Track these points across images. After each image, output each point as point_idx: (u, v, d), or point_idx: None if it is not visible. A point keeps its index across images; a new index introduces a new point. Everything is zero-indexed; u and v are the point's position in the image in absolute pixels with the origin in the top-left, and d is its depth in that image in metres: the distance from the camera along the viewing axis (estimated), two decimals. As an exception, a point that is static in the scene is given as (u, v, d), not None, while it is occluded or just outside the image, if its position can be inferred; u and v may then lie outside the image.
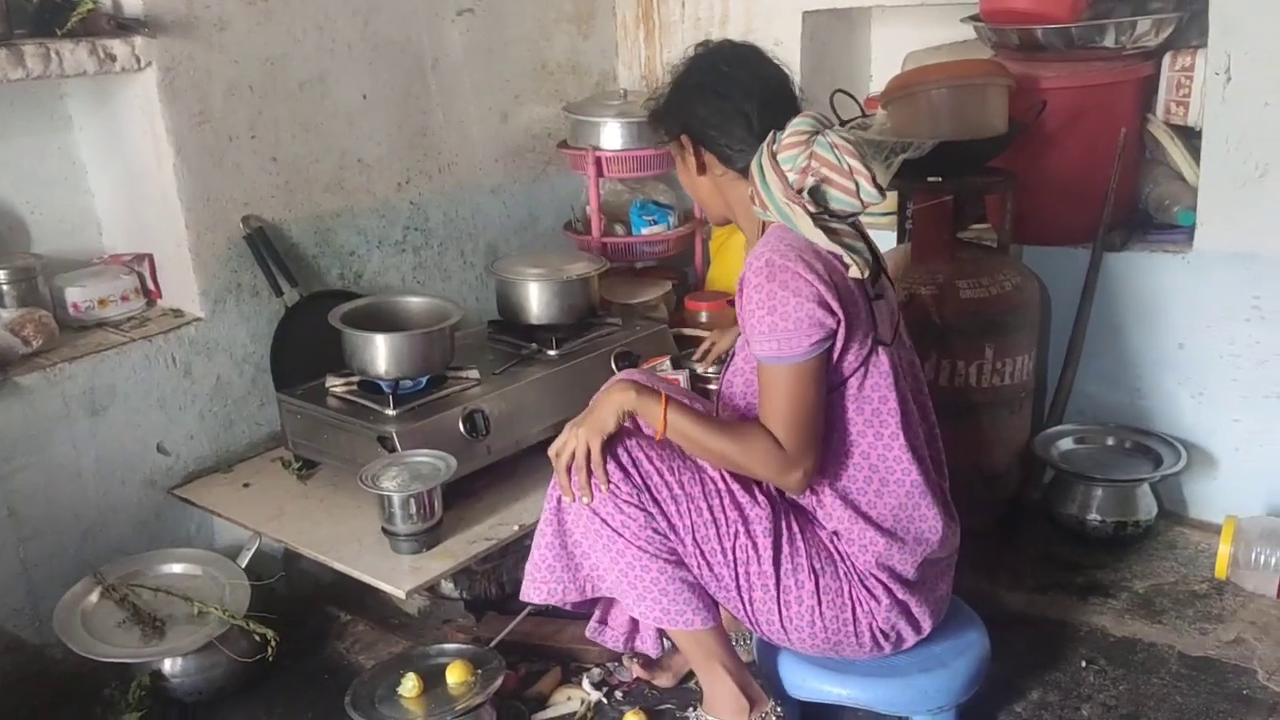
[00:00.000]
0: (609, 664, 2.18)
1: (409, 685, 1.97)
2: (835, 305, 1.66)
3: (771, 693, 1.91)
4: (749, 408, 1.81)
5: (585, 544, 1.78)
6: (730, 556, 1.74)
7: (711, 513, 1.74)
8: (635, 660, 2.14)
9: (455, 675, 2.00)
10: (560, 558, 1.81)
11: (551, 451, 1.79)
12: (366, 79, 2.64)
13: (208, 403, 2.44)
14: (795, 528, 1.78)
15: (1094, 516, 2.52)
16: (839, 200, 1.69)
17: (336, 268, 2.67)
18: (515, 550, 2.36)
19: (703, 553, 1.74)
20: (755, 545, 1.74)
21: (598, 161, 2.91)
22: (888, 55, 3.15)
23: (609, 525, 1.72)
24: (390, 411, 2.27)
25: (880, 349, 1.75)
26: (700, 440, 1.73)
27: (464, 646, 2.11)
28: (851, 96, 2.76)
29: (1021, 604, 2.37)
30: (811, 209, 1.67)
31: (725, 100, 1.78)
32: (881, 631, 1.79)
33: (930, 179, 2.52)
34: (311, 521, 2.25)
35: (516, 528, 2.20)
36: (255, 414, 2.53)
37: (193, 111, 2.32)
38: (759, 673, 1.97)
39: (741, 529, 1.74)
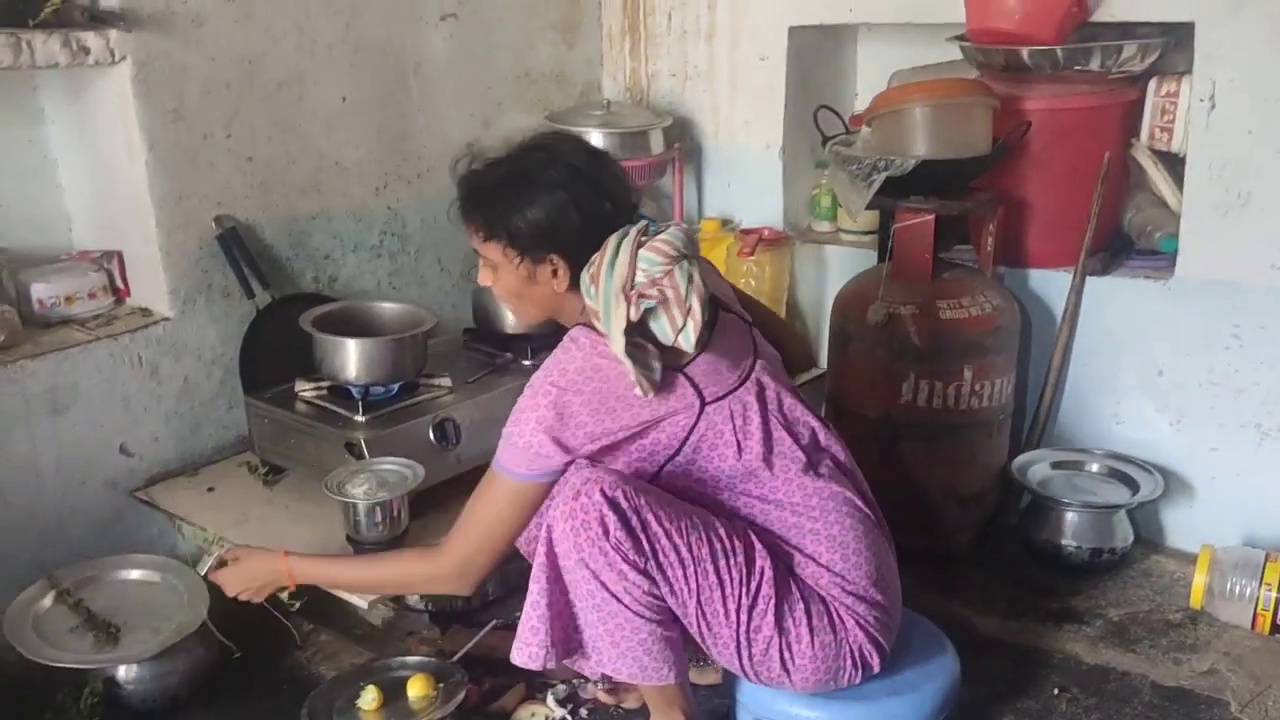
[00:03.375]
0: (574, 680, 2.14)
1: (368, 698, 1.93)
2: (580, 449, 1.66)
3: None
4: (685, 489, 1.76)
5: (579, 604, 1.68)
6: (734, 618, 1.68)
7: (718, 574, 1.66)
8: (601, 685, 2.10)
9: (416, 689, 1.96)
10: (546, 620, 1.69)
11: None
12: (346, 81, 2.61)
13: (174, 404, 2.40)
14: (787, 569, 1.73)
15: (1070, 542, 2.50)
16: (660, 329, 1.67)
17: (310, 271, 2.63)
18: (483, 562, 2.33)
19: (704, 615, 1.68)
20: (758, 600, 1.68)
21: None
22: (874, 73, 3.13)
23: (608, 589, 1.63)
24: (359, 418, 2.23)
25: (710, 410, 1.71)
26: (342, 585, 1.97)
27: (426, 659, 2.07)
28: (836, 113, 2.76)
29: (994, 629, 2.34)
30: (633, 316, 1.63)
31: (617, 207, 1.73)
32: (862, 653, 1.76)
33: (913, 198, 2.51)
34: (275, 528, 2.21)
35: (484, 540, 2.16)
36: (223, 417, 2.49)
37: (167, 108, 2.29)
38: (725, 693, 1.94)
39: (746, 588, 1.68)
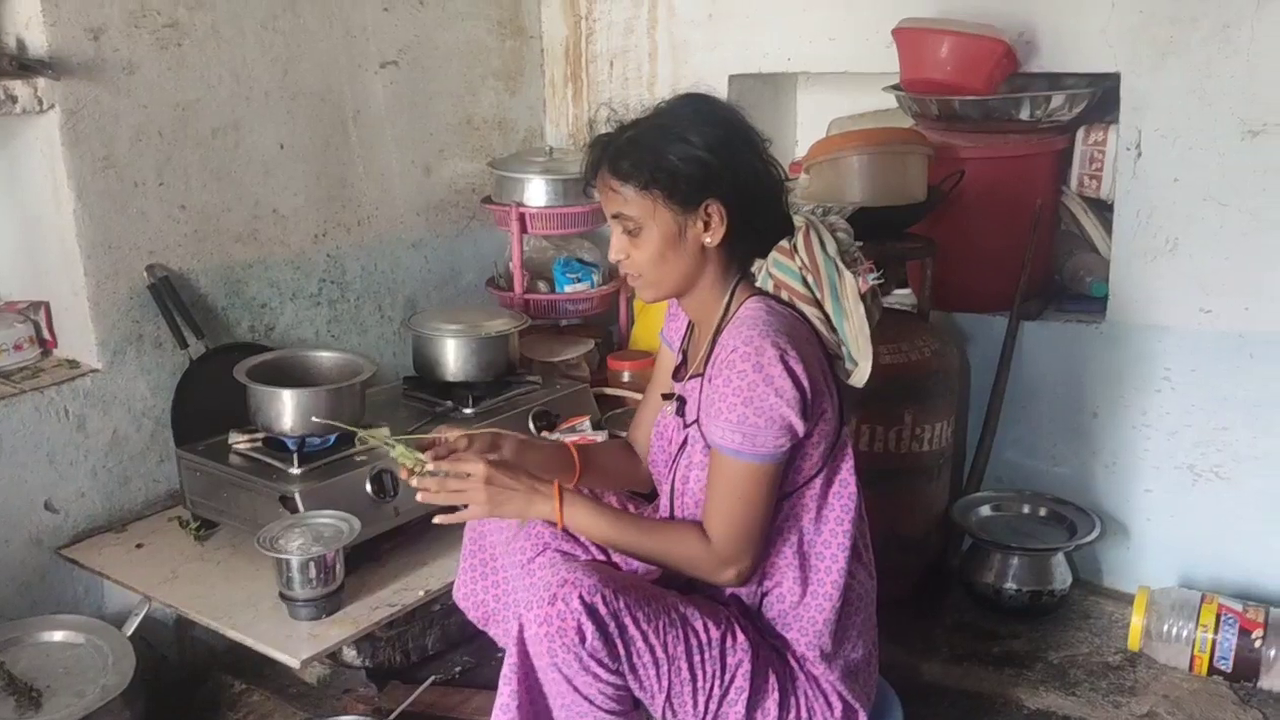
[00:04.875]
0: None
1: (300, 761, 1.88)
2: (814, 407, 1.58)
3: None
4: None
5: (549, 701, 1.60)
6: (702, 709, 1.63)
7: (691, 670, 1.60)
8: None
9: (351, 750, 1.91)
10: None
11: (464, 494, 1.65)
12: (284, 128, 2.58)
13: (102, 458, 2.34)
14: (767, 656, 1.68)
15: (1010, 585, 2.52)
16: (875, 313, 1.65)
17: (247, 320, 2.59)
18: (421, 617, 2.29)
19: (674, 708, 1.62)
20: (730, 692, 1.63)
21: (521, 218, 2.89)
22: (813, 121, 3.18)
23: (579, 692, 1.56)
24: (294, 470, 2.19)
25: (846, 430, 1.68)
26: (615, 542, 1.65)
27: (363, 718, 2.02)
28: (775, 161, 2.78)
29: (938, 674, 2.34)
30: (863, 288, 1.60)
31: (769, 168, 1.63)
32: None
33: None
34: (206, 585, 2.15)
35: (422, 593, 2.13)
36: (153, 470, 2.43)
37: (97, 156, 2.25)
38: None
39: (719, 682, 1.63)
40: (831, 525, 1.67)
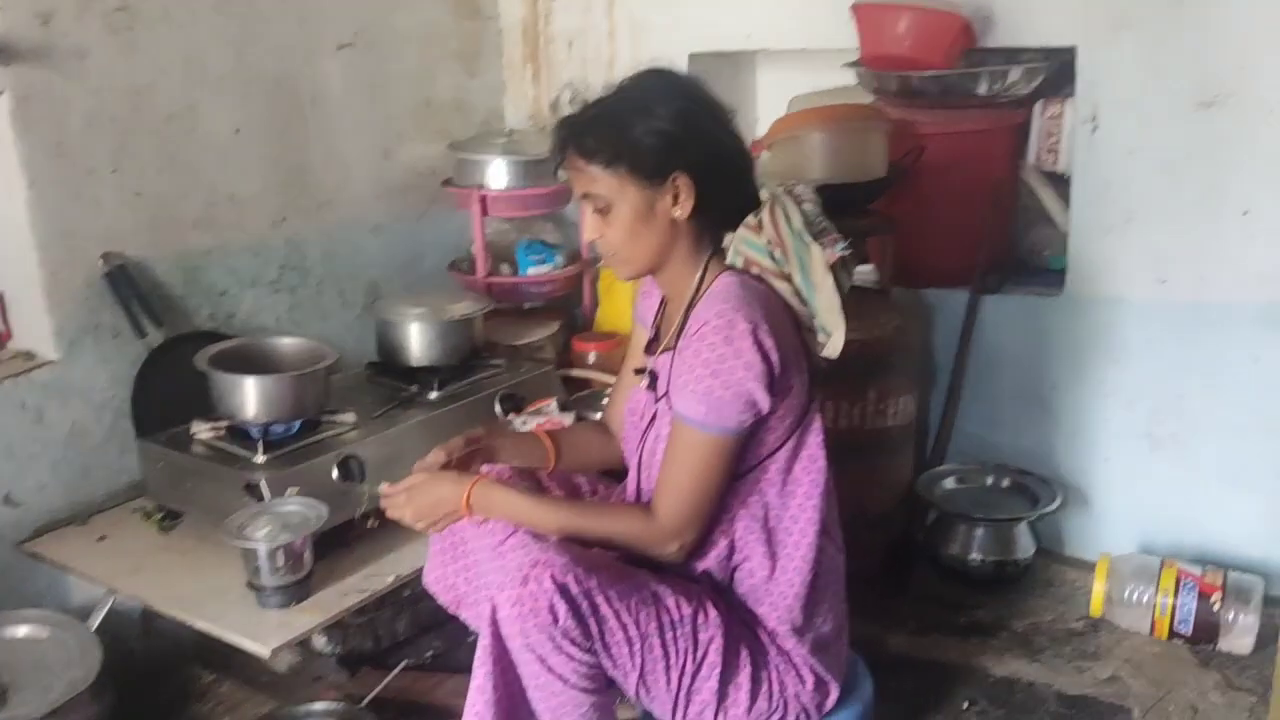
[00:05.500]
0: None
1: (272, 750, 1.87)
2: (781, 382, 1.59)
3: None
4: None
5: (524, 682, 1.61)
6: (674, 685, 1.65)
7: (664, 647, 1.61)
8: None
9: (323, 737, 1.90)
10: (492, 704, 1.60)
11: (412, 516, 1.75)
12: (239, 113, 2.55)
13: (62, 450, 2.30)
14: (739, 632, 1.69)
15: (975, 556, 2.55)
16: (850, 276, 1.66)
17: (206, 308, 2.55)
18: (392, 602, 2.29)
19: (647, 685, 1.64)
20: (703, 668, 1.65)
21: (483, 200, 2.87)
22: (774, 99, 3.18)
23: (553, 671, 1.57)
24: (259, 458, 2.17)
25: (815, 404, 1.70)
26: (541, 523, 1.66)
27: (334, 705, 2.02)
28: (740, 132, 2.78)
29: (905, 646, 2.37)
30: (830, 259, 1.61)
31: (735, 141, 1.66)
32: (804, 710, 1.74)
33: (814, 222, 2.54)
34: (172, 576, 2.12)
35: (392, 578, 2.11)
36: (115, 462, 2.39)
37: (49, 142, 2.20)
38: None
39: (691, 658, 1.64)
40: (800, 500, 1.68)
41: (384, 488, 1.78)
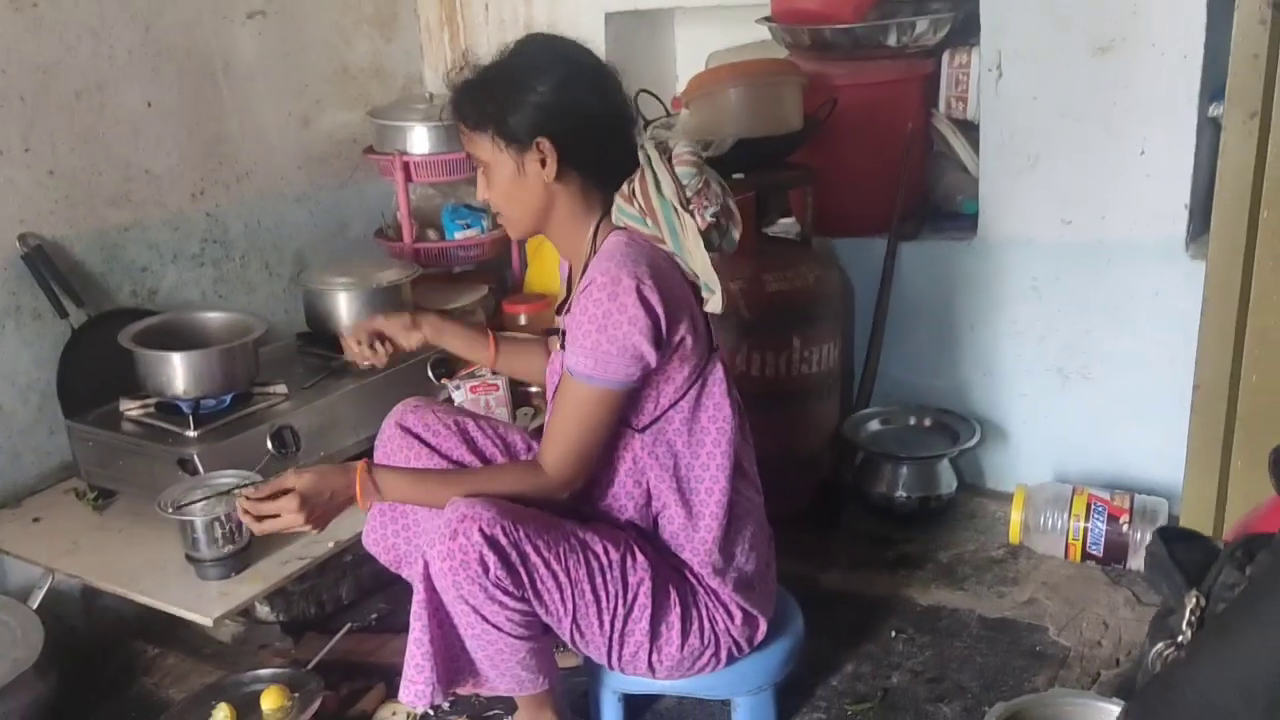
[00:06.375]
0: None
1: (220, 716, 1.90)
2: (668, 337, 1.64)
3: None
4: None
5: (460, 633, 1.68)
6: (607, 628, 1.71)
7: (594, 592, 1.68)
8: None
9: (270, 701, 1.94)
10: (431, 656, 1.67)
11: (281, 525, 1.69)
12: (150, 86, 2.52)
13: (-12, 435, 2.29)
14: (666, 574, 1.75)
15: (901, 493, 2.65)
16: (728, 235, 1.71)
17: (128, 285, 2.53)
18: (333, 568, 2.32)
19: (581, 630, 1.70)
20: (634, 610, 1.72)
21: (406, 166, 2.86)
22: (692, 56, 3.21)
23: (488, 620, 1.63)
24: (191, 433, 2.18)
25: (715, 355, 1.75)
26: (435, 496, 1.70)
27: (279, 670, 2.05)
28: (656, 97, 2.81)
29: (837, 582, 2.46)
30: (702, 225, 1.66)
31: (609, 105, 1.68)
32: (735, 643, 1.82)
33: (734, 175, 2.59)
34: (109, 553, 2.13)
35: (332, 544, 2.14)
36: (44, 444, 2.38)
37: (-45, 124, 2.17)
38: (585, 673, 1.99)
39: (622, 601, 1.70)
40: (708, 448, 1.75)
41: (243, 501, 1.70)
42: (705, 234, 1.67)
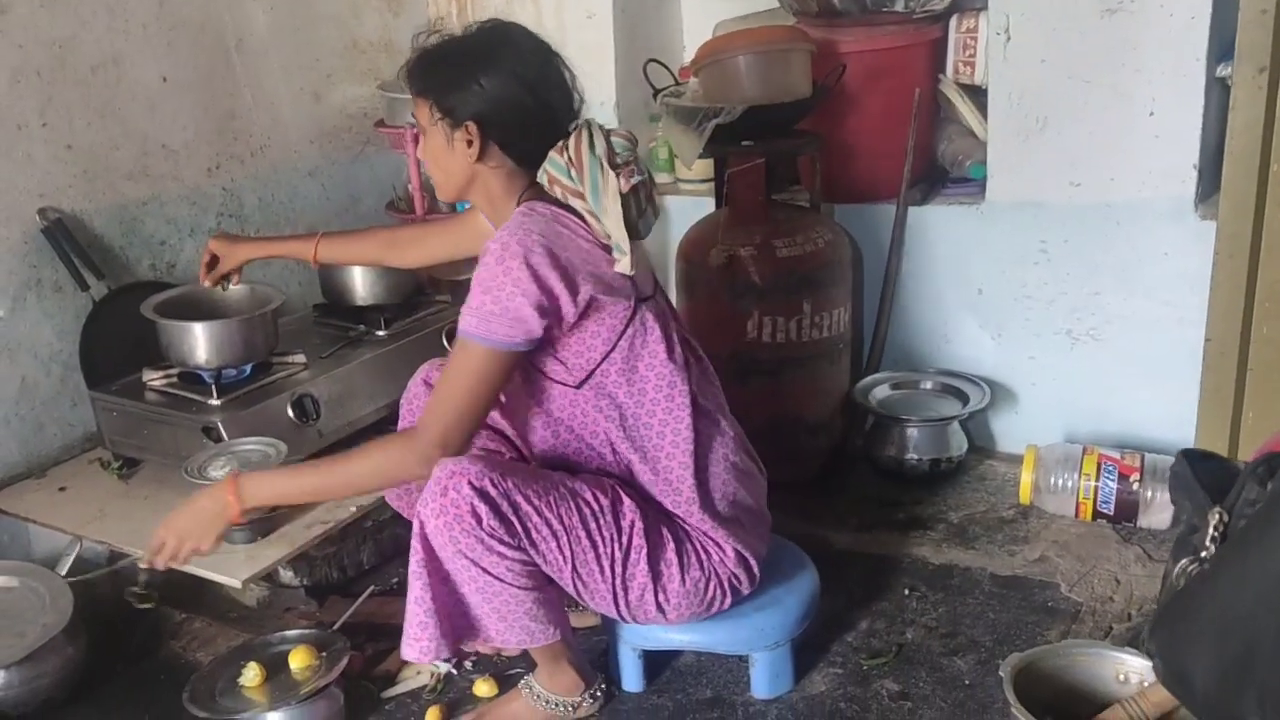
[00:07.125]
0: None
1: (250, 675, 1.94)
2: (564, 302, 1.67)
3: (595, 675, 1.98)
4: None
5: (462, 589, 1.71)
6: (608, 573, 1.76)
7: (590, 537, 1.72)
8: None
9: (299, 660, 1.97)
10: (433, 613, 1.71)
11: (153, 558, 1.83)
12: (165, 61, 2.54)
13: (13, 406, 2.32)
14: (655, 516, 1.80)
15: (911, 456, 2.68)
16: (645, 216, 1.77)
17: (147, 258, 2.56)
18: (355, 533, 2.36)
19: (580, 576, 1.75)
20: (631, 552, 1.76)
21: (416, 139, 2.87)
22: (699, 25, 3.22)
23: (489, 572, 1.67)
24: (214, 401, 2.22)
25: (644, 307, 1.78)
26: (307, 494, 1.85)
27: (306, 631, 2.09)
28: (665, 66, 2.83)
29: (849, 543, 2.50)
30: (623, 188, 1.70)
31: (545, 105, 1.75)
32: (734, 576, 1.86)
33: (744, 143, 2.61)
34: (136, 520, 2.17)
35: (354, 509, 2.19)
36: (67, 414, 2.42)
37: (-26, 99, 2.20)
38: (604, 631, 2.03)
39: (618, 544, 1.75)
40: (651, 395, 1.79)
41: (146, 557, 1.86)
42: (624, 198, 1.71)
